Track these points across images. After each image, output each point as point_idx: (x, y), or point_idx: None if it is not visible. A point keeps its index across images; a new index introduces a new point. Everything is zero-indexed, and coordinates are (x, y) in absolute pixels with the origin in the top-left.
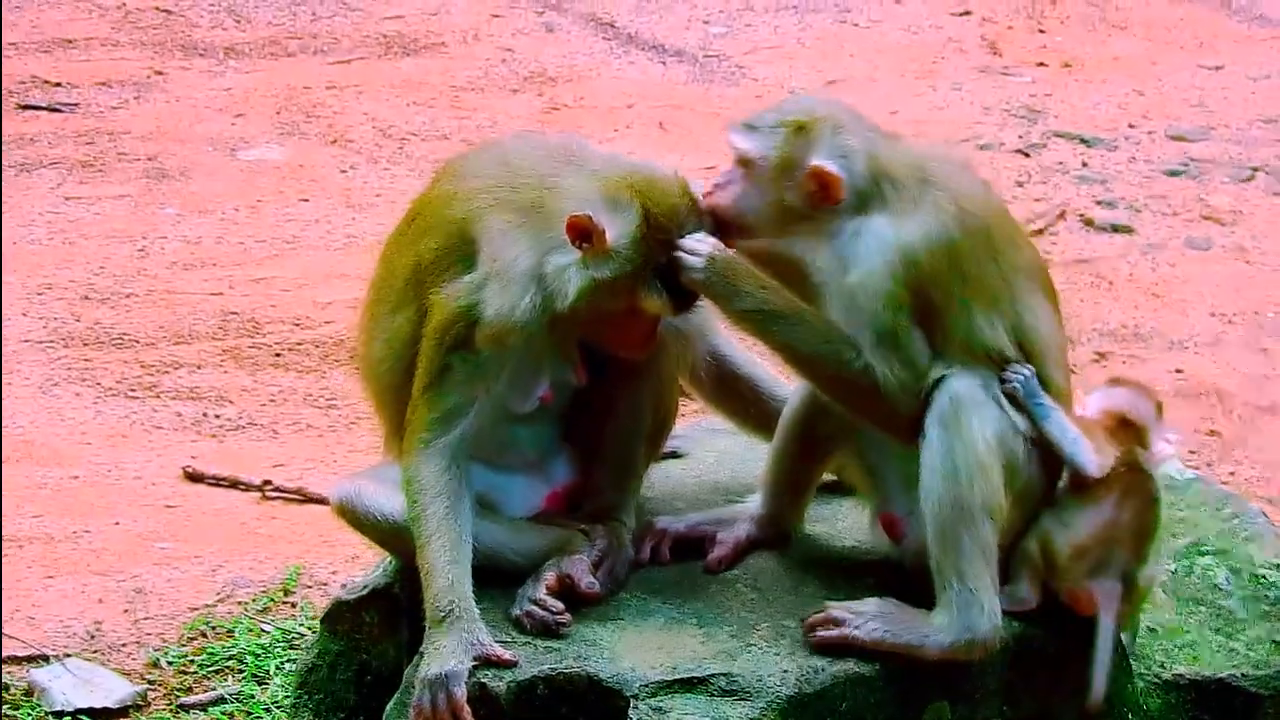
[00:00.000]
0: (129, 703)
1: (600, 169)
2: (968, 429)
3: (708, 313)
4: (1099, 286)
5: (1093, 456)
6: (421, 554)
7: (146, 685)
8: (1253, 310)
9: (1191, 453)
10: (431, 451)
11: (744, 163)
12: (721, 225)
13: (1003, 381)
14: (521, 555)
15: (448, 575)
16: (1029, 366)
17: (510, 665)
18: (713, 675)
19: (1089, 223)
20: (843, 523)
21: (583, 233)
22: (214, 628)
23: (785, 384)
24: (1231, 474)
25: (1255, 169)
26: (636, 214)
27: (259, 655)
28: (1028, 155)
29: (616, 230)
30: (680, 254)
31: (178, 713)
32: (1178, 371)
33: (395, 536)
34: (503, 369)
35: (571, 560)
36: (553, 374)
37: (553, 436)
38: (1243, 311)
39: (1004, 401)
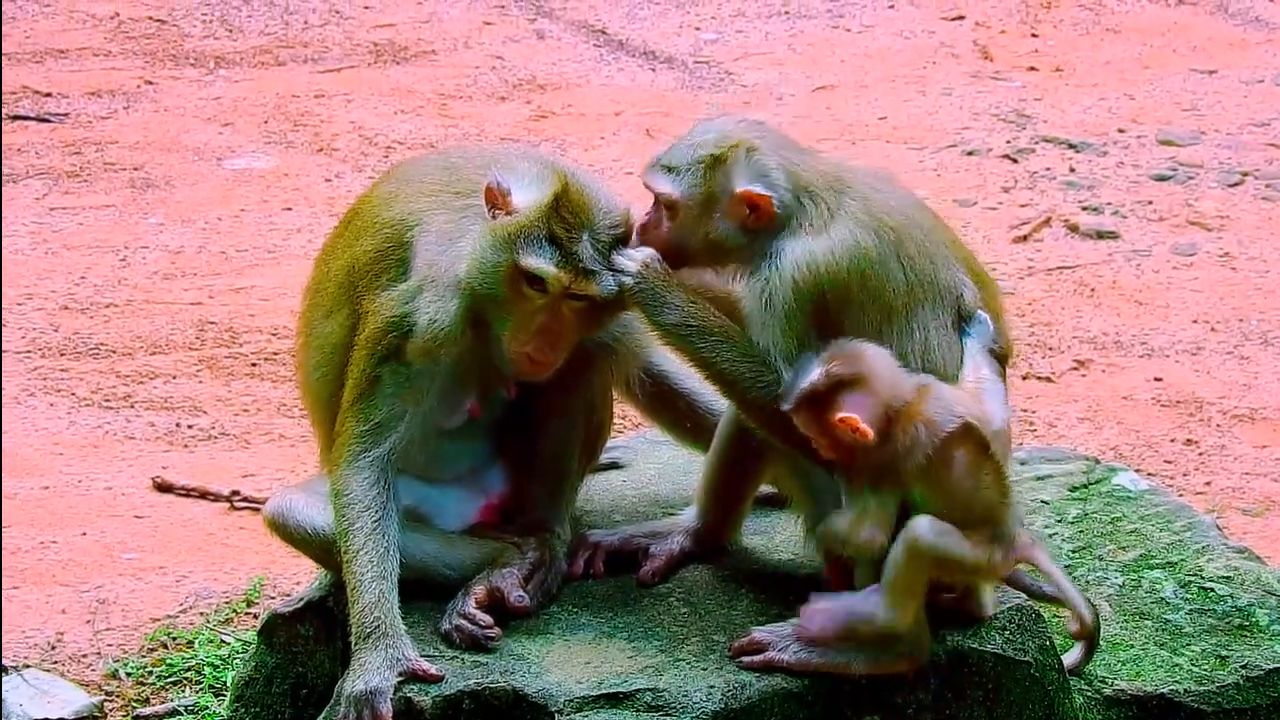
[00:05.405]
0: (86, 714)
1: (539, 166)
2: None
3: (644, 330)
4: (1081, 293)
5: None
6: (348, 569)
7: (104, 696)
8: (1236, 317)
9: (1168, 463)
10: (360, 465)
11: (668, 205)
12: None
13: None
14: (453, 568)
15: (374, 591)
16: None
17: (436, 680)
18: (639, 690)
19: (1074, 229)
20: (780, 535)
21: (491, 198)
22: (175, 639)
23: (722, 399)
24: (1207, 484)
25: (1244, 174)
26: (550, 188)
27: (217, 666)
28: (1015, 160)
29: (523, 196)
30: (614, 257)
31: None
32: (1157, 380)
33: (326, 551)
34: (434, 382)
35: (502, 573)
36: (481, 387)
37: (485, 449)
38: (1226, 319)
39: None
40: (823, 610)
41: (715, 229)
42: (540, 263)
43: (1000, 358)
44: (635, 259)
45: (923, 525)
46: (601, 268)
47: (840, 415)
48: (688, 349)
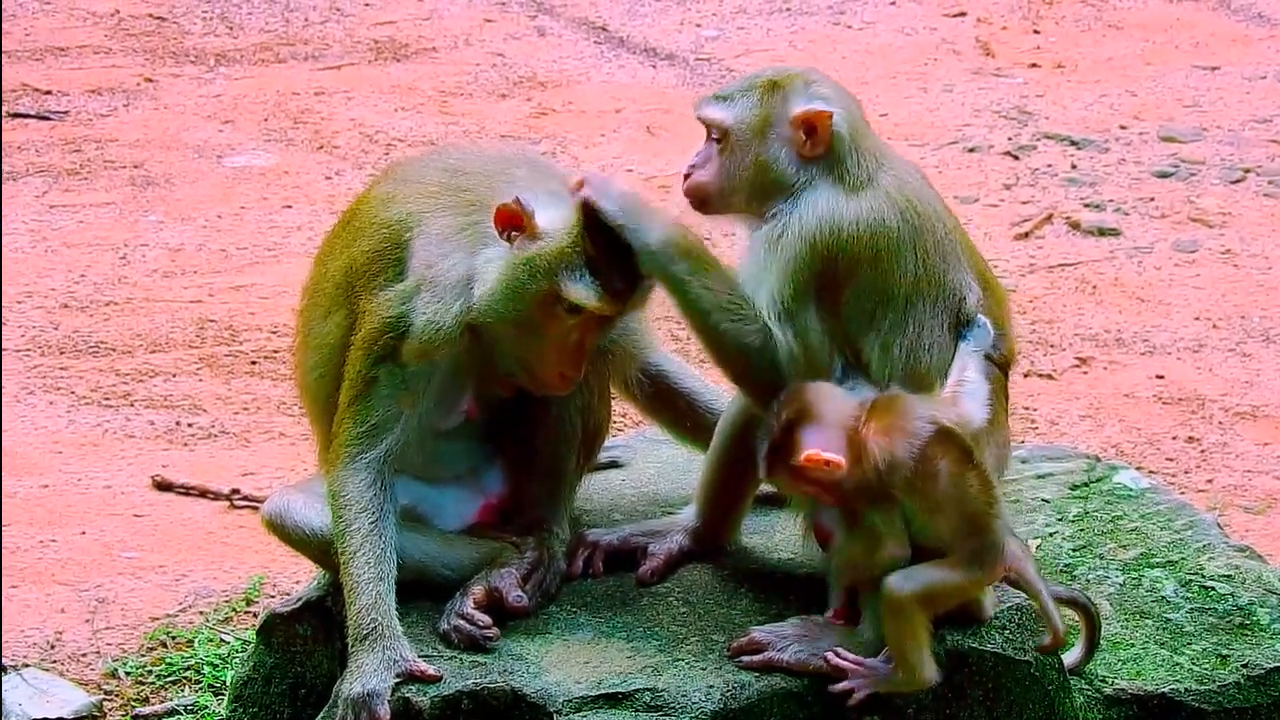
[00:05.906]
0: (85, 714)
1: (546, 172)
2: None
3: (645, 328)
4: (1083, 290)
5: None
6: (345, 570)
7: (103, 696)
8: (1238, 314)
9: (1169, 460)
10: (357, 466)
11: (721, 134)
12: (702, 204)
13: None
14: (451, 569)
15: (371, 592)
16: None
17: (434, 680)
18: (637, 690)
19: (1075, 225)
20: (779, 534)
21: (511, 219)
22: (174, 638)
23: (723, 397)
24: (1209, 482)
25: (1246, 170)
26: (572, 207)
27: (216, 666)
28: (1017, 157)
29: (548, 216)
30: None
31: None
32: (1158, 377)
33: (324, 552)
34: (430, 383)
35: (500, 573)
36: (477, 388)
37: (484, 449)
38: (1227, 316)
39: None
40: (853, 681)
41: (766, 154)
42: (586, 293)
43: (1001, 365)
44: (612, 190)
45: (894, 581)
46: (629, 283)
47: (804, 455)
48: (666, 274)
